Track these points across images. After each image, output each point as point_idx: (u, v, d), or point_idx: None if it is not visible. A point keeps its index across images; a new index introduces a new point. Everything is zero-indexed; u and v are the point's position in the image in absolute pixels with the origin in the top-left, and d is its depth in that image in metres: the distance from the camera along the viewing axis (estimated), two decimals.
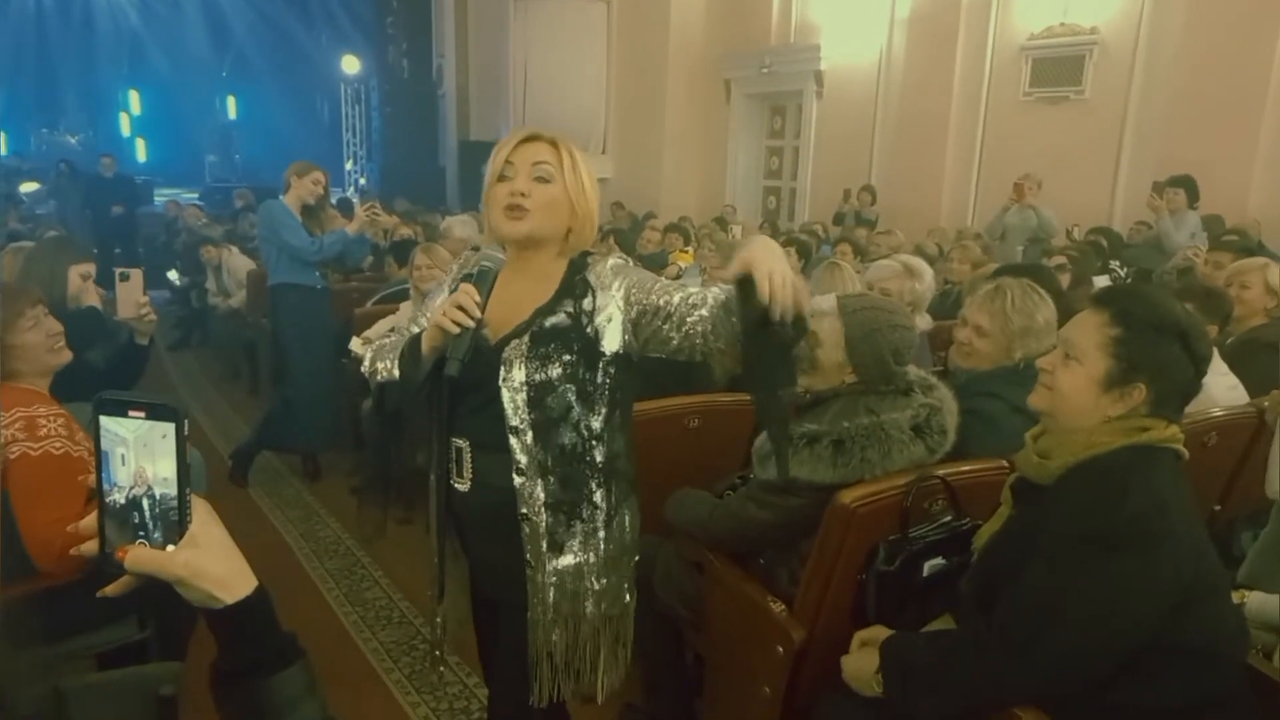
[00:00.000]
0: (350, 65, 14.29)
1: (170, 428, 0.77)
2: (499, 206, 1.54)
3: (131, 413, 0.77)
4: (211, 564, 0.81)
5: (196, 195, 13.06)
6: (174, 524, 0.80)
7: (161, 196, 12.76)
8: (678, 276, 5.55)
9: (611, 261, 1.60)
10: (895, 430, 1.88)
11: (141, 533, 0.79)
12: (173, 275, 8.81)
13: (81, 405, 2.33)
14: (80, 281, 2.81)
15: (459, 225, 4.79)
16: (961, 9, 8.67)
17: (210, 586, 0.81)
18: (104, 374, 2.58)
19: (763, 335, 1.30)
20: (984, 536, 1.60)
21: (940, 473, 1.83)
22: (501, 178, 1.54)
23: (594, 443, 1.57)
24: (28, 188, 11.12)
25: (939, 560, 1.79)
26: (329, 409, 4.17)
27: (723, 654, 2.13)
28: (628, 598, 1.70)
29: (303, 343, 4.10)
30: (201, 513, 0.83)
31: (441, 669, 2.71)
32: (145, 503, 0.79)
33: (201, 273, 7.43)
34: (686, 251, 6.11)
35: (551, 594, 1.59)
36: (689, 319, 1.46)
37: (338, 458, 4.49)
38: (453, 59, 13.26)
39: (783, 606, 1.89)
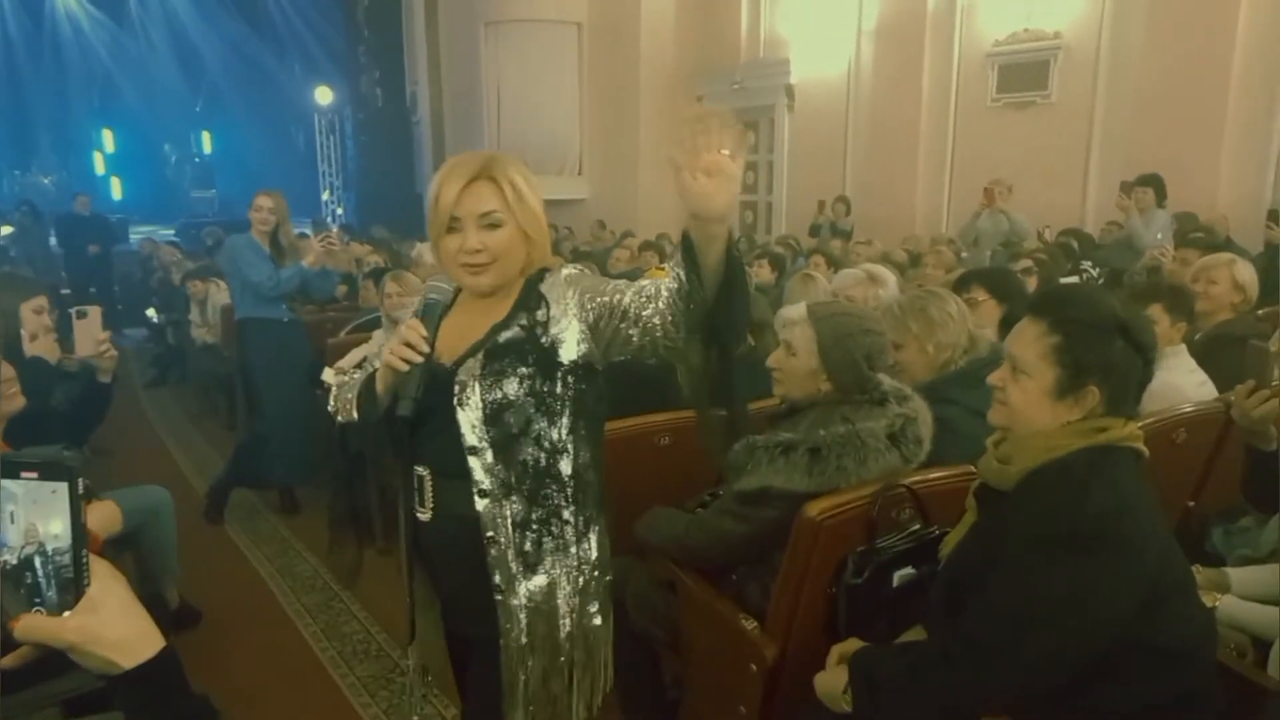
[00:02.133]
0: (323, 96, 14.29)
1: (63, 486, 0.74)
2: (455, 263, 1.51)
3: (24, 474, 0.74)
4: (108, 628, 0.78)
5: (173, 232, 12.99)
6: (69, 585, 0.77)
7: (137, 234, 12.70)
8: None
9: (566, 271, 1.57)
10: (871, 439, 1.87)
11: (37, 598, 0.76)
12: (150, 313, 8.77)
13: (28, 451, 2.30)
14: (34, 317, 2.75)
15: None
16: (927, 18, 8.77)
17: (106, 651, 0.78)
18: (68, 416, 2.53)
19: (719, 294, 1.29)
20: (950, 544, 1.58)
21: (906, 481, 1.82)
22: (450, 229, 1.50)
23: (558, 455, 1.53)
24: (4, 230, 11.05)
25: (909, 570, 1.77)
26: (301, 442, 4.11)
27: (698, 675, 2.10)
28: (599, 619, 1.67)
29: (271, 376, 4.05)
30: (102, 574, 0.80)
31: (422, 708, 2.66)
32: (38, 562, 0.76)
33: (177, 309, 7.38)
34: (662, 268, 6.12)
35: (524, 617, 1.55)
36: (644, 312, 1.41)
37: (315, 492, 4.44)
38: (426, 86, 13.29)
39: (755, 624, 1.87)
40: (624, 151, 11.76)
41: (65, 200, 11.32)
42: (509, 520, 1.51)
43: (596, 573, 1.62)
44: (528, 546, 1.53)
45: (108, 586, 0.79)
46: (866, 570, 1.75)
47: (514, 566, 1.53)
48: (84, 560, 0.77)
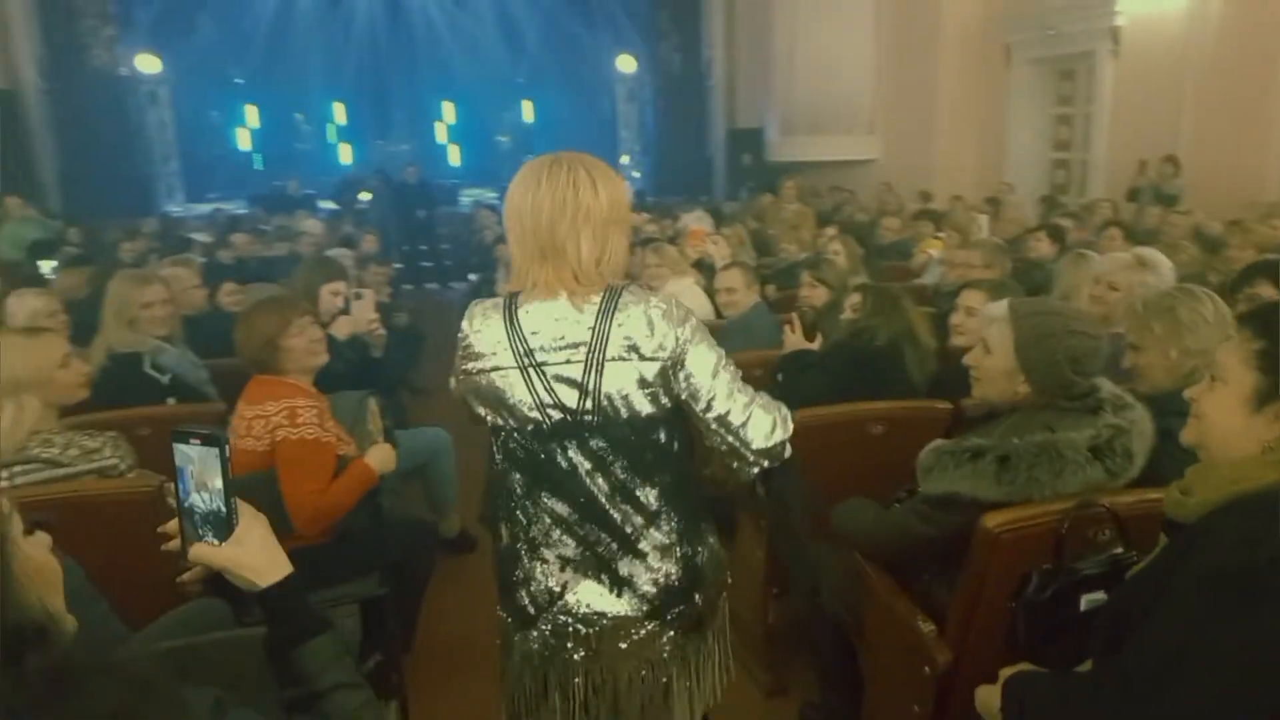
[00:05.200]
0: (626, 64, 15.02)
1: (215, 451, 1.00)
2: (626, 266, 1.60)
3: (191, 440, 1.01)
4: (248, 557, 1.07)
5: (496, 195, 14.48)
6: (224, 524, 1.05)
7: (467, 198, 14.32)
8: (923, 267, 5.33)
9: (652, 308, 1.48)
10: (1069, 450, 1.77)
11: (204, 530, 1.04)
12: (470, 275, 9.98)
13: (339, 394, 2.80)
14: (330, 297, 3.29)
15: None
16: None
17: (247, 574, 1.07)
18: (345, 376, 3.00)
19: None
20: (1134, 573, 1.47)
21: (1107, 501, 1.70)
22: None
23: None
24: (365, 196, 12.98)
25: (1099, 595, 1.66)
26: None
27: (879, 667, 2.12)
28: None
29: None
30: (248, 516, 1.08)
31: None
32: (204, 506, 1.03)
33: (488, 269, 8.31)
34: (938, 238, 5.81)
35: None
36: (705, 431, 1.54)
37: None
38: (721, 50, 13.51)
39: (933, 627, 1.86)
40: (920, 108, 11.17)
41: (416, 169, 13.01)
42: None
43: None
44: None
45: (250, 525, 1.08)
46: (1049, 589, 1.67)
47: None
48: (233, 505, 1.05)
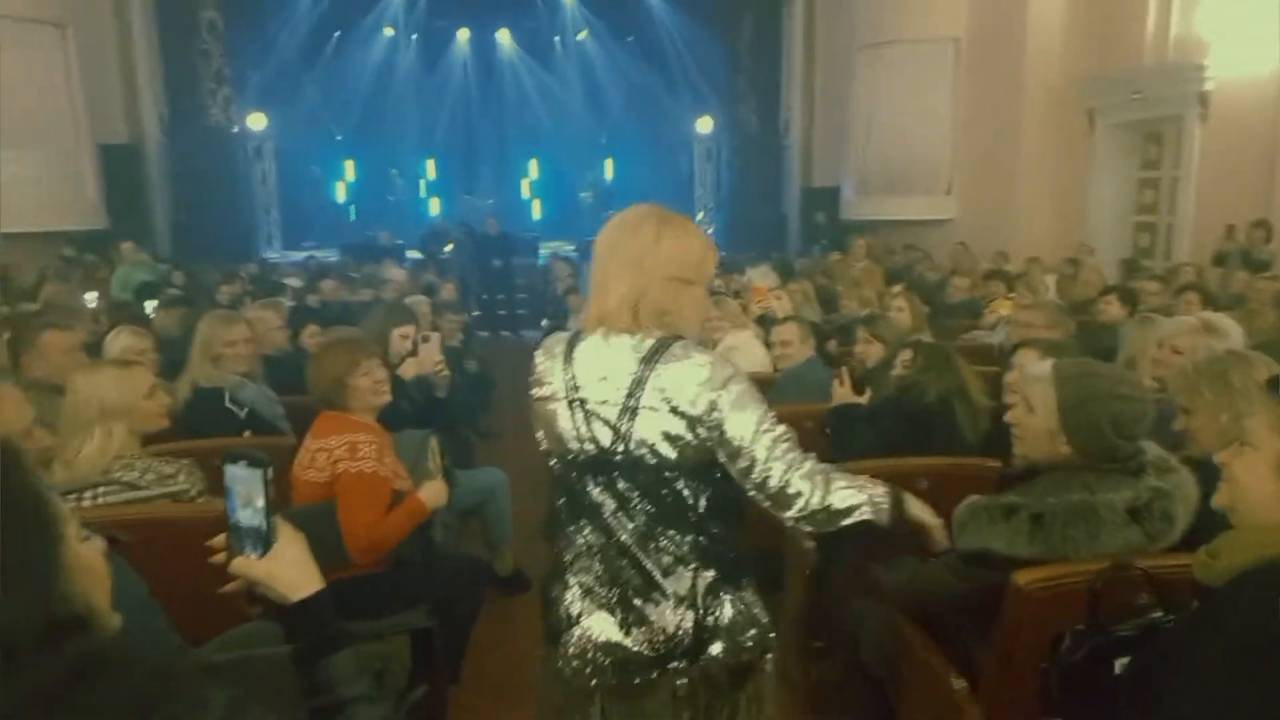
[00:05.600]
0: (704, 125, 15.36)
1: (260, 473, 1.10)
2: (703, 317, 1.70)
3: (240, 462, 1.11)
4: (283, 572, 1.15)
5: (574, 248, 14.84)
6: (263, 541, 1.14)
7: (546, 250, 14.72)
8: (993, 327, 5.26)
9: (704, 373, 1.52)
10: (1107, 511, 1.76)
11: (246, 545, 1.13)
12: (544, 321, 10.24)
13: (403, 433, 2.93)
14: (399, 340, 3.45)
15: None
16: None
17: (280, 587, 1.15)
18: (411, 416, 3.13)
19: None
20: (1160, 636, 1.45)
21: (1144, 564, 1.67)
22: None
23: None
24: (449, 247, 13.47)
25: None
26: None
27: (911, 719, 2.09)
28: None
29: None
30: (286, 534, 1.17)
31: None
32: (247, 525, 1.13)
33: (561, 318, 8.52)
34: (1009, 299, 5.74)
35: None
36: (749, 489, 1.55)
37: None
38: (799, 112, 13.69)
39: (964, 684, 1.84)
40: (999, 169, 11.07)
41: (500, 222, 13.46)
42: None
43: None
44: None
45: (288, 543, 1.17)
46: (1082, 650, 1.64)
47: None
48: (273, 523, 1.14)
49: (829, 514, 1.55)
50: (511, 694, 3.03)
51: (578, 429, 1.56)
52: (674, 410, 1.49)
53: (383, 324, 3.52)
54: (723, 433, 1.50)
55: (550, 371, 1.60)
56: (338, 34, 16.27)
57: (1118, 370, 1.98)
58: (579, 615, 1.60)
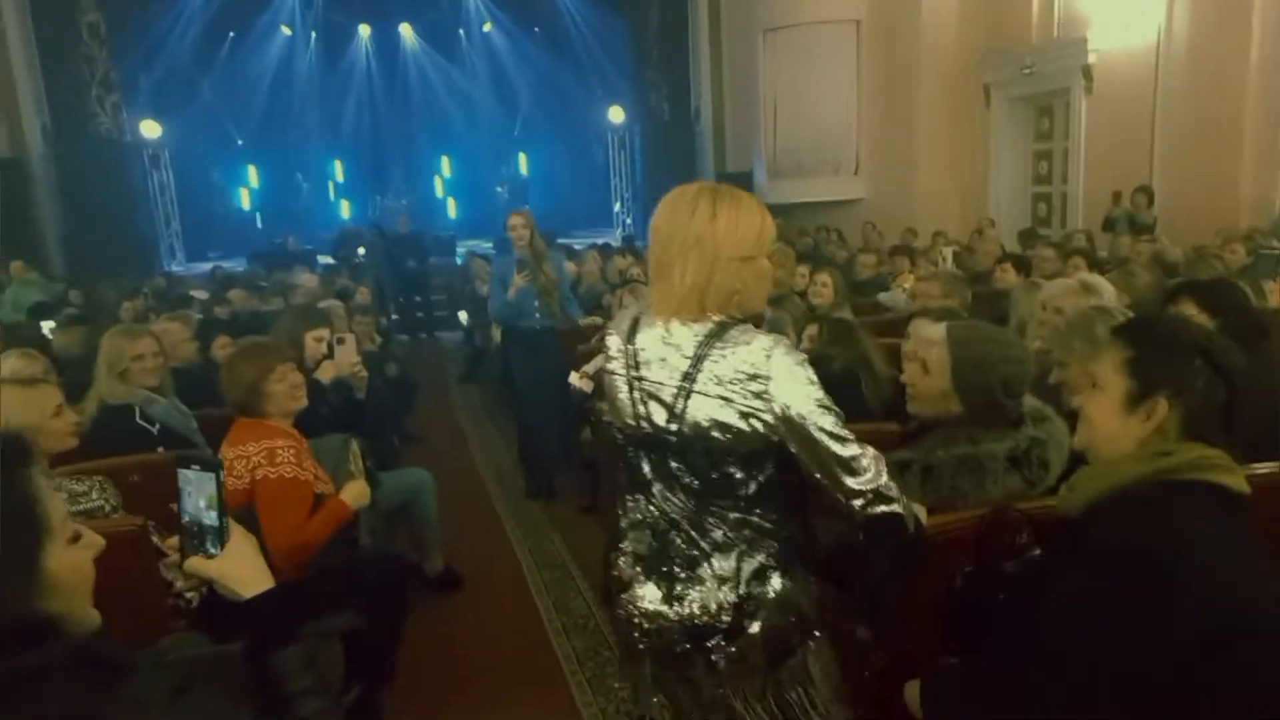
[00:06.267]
0: (615, 115, 15.42)
1: (212, 476, 1.13)
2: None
3: (193, 466, 1.14)
4: (234, 570, 1.19)
5: (491, 245, 14.73)
6: (218, 540, 1.17)
7: (464, 249, 14.58)
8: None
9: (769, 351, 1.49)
10: (990, 460, 1.89)
11: (199, 545, 1.16)
12: (462, 316, 10.17)
13: (323, 438, 2.92)
14: (314, 344, 3.42)
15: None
16: None
17: (232, 585, 1.19)
18: (330, 420, 3.12)
19: None
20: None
21: (1023, 506, 1.81)
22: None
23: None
24: (361, 251, 13.24)
25: None
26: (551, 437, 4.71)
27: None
28: None
29: (524, 376, 4.67)
30: (237, 535, 1.21)
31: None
32: (199, 525, 1.16)
33: (482, 316, 8.49)
34: (913, 273, 5.97)
35: None
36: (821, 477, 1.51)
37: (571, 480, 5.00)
38: (708, 98, 13.88)
39: (867, 631, 1.95)
40: (902, 148, 11.45)
41: (414, 222, 13.26)
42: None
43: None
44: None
45: (239, 543, 1.21)
46: (971, 589, 1.77)
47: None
48: (224, 524, 1.16)
49: (879, 495, 1.50)
50: (447, 692, 3.07)
51: (635, 407, 1.60)
52: (728, 395, 1.48)
53: (295, 327, 3.48)
54: (778, 413, 1.47)
55: (614, 345, 1.65)
56: (232, 35, 15.77)
57: (1006, 334, 2.12)
58: (630, 581, 1.66)
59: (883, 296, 5.36)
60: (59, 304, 7.60)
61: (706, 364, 1.50)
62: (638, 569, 1.66)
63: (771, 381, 1.46)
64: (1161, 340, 1.43)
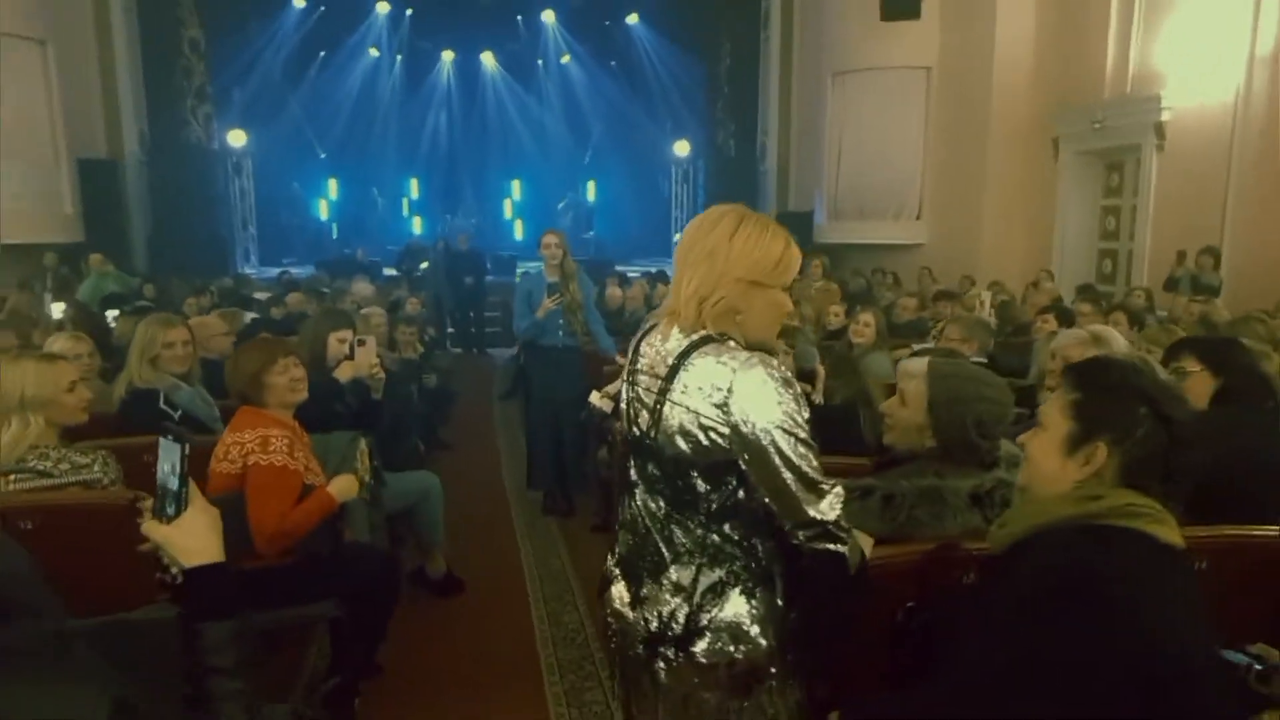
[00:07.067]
0: (681, 148, 15.62)
1: (179, 446, 1.21)
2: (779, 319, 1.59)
3: (169, 436, 1.24)
4: (182, 539, 1.24)
5: None
6: (173, 504, 1.24)
7: (523, 268, 14.86)
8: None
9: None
10: (952, 495, 1.88)
11: (163, 510, 1.25)
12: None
13: (322, 436, 3.02)
14: (337, 344, 3.54)
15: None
16: None
17: (177, 553, 1.24)
18: (350, 418, 3.22)
19: None
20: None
21: (973, 546, 1.78)
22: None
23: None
24: (424, 265, 13.60)
25: None
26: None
27: None
28: None
29: (541, 394, 4.74)
30: (197, 506, 1.26)
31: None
32: (164, 489, 1.25)
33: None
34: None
35: None
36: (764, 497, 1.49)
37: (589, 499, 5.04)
38: (775, 136, 13.93)
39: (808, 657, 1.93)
40: (966, 196, 11.29)
41: (480, 242, 13.58)
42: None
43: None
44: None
45: (194, 514, 1.25)
46: (913, 623, 1.75)
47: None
48: (184, 493, 1.24)
49: (827, 532, 1.46)
50: (427, 691, 3.12)
51: (629, 409, 1.66)
52: (693, 405, 1.48)
53: (320, 328, 3.62)
54: (735, 426, 1.44)
55: (632, 350, 1.70)
56: (322, 54, 16.49)
57: (989, 375, 2.08)
58: (610, 580, 1.72)
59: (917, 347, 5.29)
60: (133, 296, 8.00)
61: (681, 373, 1.50)
62: (618, 568, 1.71)
63: (733, 395, 1.44)
64: (1108, 385, 1.40)
